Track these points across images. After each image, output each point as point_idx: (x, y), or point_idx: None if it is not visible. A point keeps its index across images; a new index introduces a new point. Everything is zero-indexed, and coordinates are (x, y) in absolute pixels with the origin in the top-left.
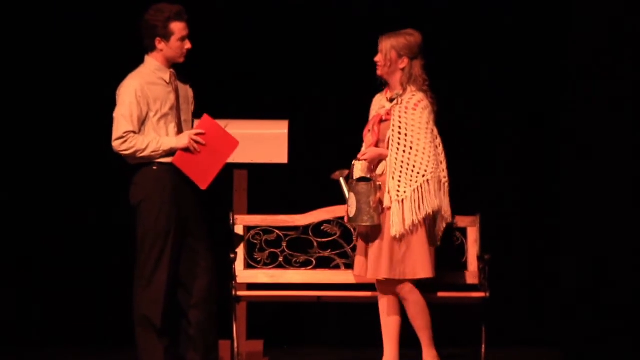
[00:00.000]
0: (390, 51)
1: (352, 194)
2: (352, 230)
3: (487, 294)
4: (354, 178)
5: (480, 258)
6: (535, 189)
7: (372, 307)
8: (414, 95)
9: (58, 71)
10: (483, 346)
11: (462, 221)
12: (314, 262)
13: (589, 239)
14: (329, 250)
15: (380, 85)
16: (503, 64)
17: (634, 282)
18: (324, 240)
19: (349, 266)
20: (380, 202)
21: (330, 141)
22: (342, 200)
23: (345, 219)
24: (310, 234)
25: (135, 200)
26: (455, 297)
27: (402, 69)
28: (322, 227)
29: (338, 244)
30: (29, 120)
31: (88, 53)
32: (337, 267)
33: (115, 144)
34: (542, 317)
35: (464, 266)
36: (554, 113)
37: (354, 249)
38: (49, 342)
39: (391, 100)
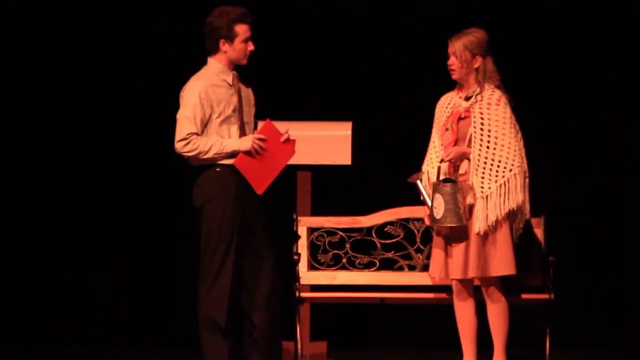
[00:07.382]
0: (464, 52)
1: (438, 195)
2: (416, 232)
3: (552, 296)
4: (440, 179)
5: (545, 260)
6: (602, 190)
7: (436, 308)
8: (493, 92)
9: (122, 74)
10: (547, 348)
11: None
12: (378, 263)
13: None
14: (393, 252)
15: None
16: (579, 63)
17: None
18: (387, 241)
19: (412, 268)
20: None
21: (393, 142)
22: (405, 201)
23: (427, 221)
24: (374, 235)
25: (198, 202)
26: (520, 298)
27: (477, 68)
28: (385, 229)
29: (401, 246)
30: (92, 120)
31: (151, 55)
32: (400, 268)
33: (178, 146)
34: (606, 320)
35: (528, 268)
36: (626, 115)
37: (417, 251)
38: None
39: (467, 99)
